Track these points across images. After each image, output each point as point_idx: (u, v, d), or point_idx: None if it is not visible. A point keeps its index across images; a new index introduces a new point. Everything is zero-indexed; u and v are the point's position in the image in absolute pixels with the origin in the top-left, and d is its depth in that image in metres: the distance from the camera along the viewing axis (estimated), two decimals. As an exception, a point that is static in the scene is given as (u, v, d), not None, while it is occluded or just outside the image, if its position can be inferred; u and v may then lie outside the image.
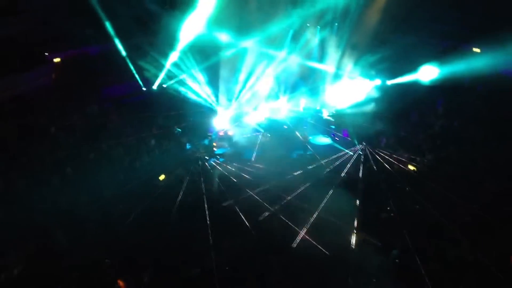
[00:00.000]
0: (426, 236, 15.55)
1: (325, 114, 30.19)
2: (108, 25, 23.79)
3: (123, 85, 27.26)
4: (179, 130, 26.33)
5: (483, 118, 22.44)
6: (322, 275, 13.80)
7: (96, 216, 16.74)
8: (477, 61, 23.66)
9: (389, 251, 14.66)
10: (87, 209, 17.03)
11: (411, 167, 21.33)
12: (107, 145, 21.65)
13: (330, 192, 18.54)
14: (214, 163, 23.18)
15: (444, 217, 16.05)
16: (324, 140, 27.92)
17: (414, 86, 27.19)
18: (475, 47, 25.21)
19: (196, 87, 28.72)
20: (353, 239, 15.52)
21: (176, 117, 27.11)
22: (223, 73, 29.37)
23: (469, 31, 25.51)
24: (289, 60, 30.23)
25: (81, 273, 13.64)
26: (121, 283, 13.47)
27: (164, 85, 28.35)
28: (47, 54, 24.29)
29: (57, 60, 24.63)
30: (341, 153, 23.69)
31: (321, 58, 30.96)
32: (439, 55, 26.38)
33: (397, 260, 14.34)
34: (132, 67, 26.19)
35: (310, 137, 27.03)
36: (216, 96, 29.30)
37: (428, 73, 26.59)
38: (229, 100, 29.77)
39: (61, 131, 21.31)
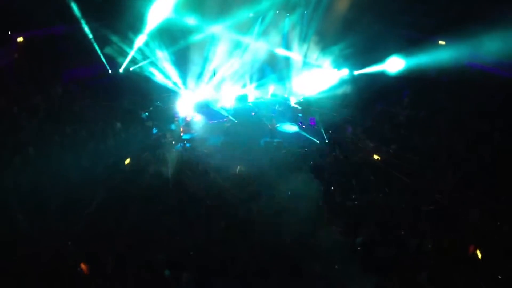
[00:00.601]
0: (389, 224, 15.79)
1: (293, 102, 30.28)
2: (74, 5, 23.28)
3: (88, 67, 26.80)
4: (146, 114, 26.04)
5: (447, 109, 22.85)
6: (286, 262, 13.87)
7: (59, 199, 16.44)
8: (442, 53, 24.05)
9: (353, 239, 14.84)
10: (49, 192, 16.70)
11: (376, 156, 21.59)
12: (71, 128, 21.20)
13: (296, 180, 18.60)
14: (181, 148, 23.04)
15: (407, 206, 16.33)
16: (291, 128, 28.01)
17: (381, 77, 27.52)
18: (441, 39, 25.61)
19: (163, 71, 28.42)
20: (317, 227, 15.62)
21: (142, 101, 26.79)
22: (191, 58, 29.16)
23: (435, 23, 25.91)
24: (257, 47, 30.16)
25: (42, 256, 13.40)
26: (83, 266, 13.28)
27: (131, 68, 27.96)
28: (10, 33, 23.63)
29: (20, 39, 23.99)
30: (308, 141, 23.83)
31: (290, 45, 31.00)
32: (405, 46, 26.72)
33: (360, 248, 14.53)
34: (98, 49, 25.73)
35: (278, 125, 27.10)
36: (184, 81, 29.07)
37: (394, 64, 26.93)
38: (197, 85, 29.58)
39: (23, 112, 20.77)
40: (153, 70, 28.25)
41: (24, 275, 12.55)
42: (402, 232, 15.22)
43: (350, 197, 17.86)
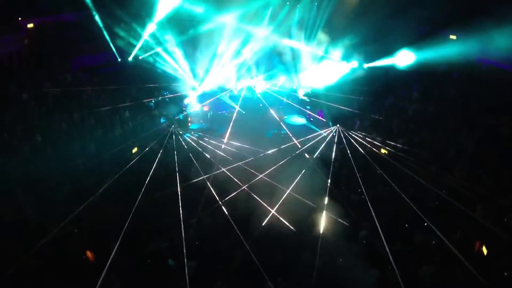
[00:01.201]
0: (395, 219, 15.77)
1: (301, 94, 30.21)
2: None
3: (98, 55, 26.89)
4: (153, 103, 26.12)
5: (456, 105, 22.70)
6: (291, 254, 13.91)
7: (66, 186, 16.54)
8: (453, 48, 23.88)
9: (358, 232, 14.84)
10: (57, 179, 16.80)
11: (383, 151, 21.52)
12: (80, 115, 21.27)
13: (302, 172, 18.59)
14: (188, 138, 23.08)
15: (413, 201, 16.27)
16: (299, 120, 28.02)
17: (390, 70, 27.39)
18: (452, 34, 25.43)
19: (172, 61, 28.42)
20: (323, 219, 15.63)
21: (151, 90, 26.83)
22: (200, 48, 29.10)
23: (446, 17, 25.71)
24: (267, 38, 30.06)
25: (49, 242, 13.49)
26: (89, 254, 13.38)
27: (140, 57, 27.97)
28: (20, 19, 23.68)
29: (30, 25, 24.05)
30: (315, 134, 23.78)
31: (299, 37, 30.86)
32: (416, 40, 26.56)
33: (364, 241, 14.53)
34: (107, 37, 25.74)
35: (285, 117, 27.08)
36: (193, 71, 29.05)
37: (404, 57, 26.77)
38: (206, 75, 29.55)
39: (32, 99, 20.84)
40: (162, 59, 28.26)
41: (29, 263, 12.65)
42: (407, 227, 15.20)
43: (356, 191, 17.83)
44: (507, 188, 16.23)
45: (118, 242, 13.50)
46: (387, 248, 13.72)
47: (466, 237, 14.25)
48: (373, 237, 14.49)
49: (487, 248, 13.43)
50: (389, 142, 21.97)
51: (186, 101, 27.61)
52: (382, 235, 14.38)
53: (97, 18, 24.70)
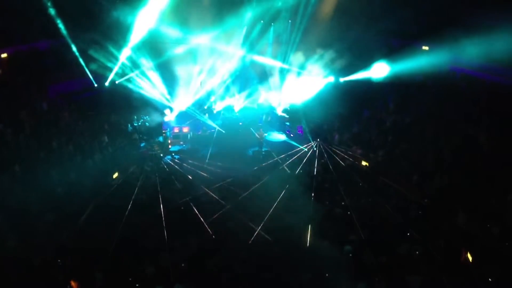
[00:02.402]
0: (378, 230, 15.83)
1: (280, 111, 30.36)
2: (58, 21, 23.23)
3: (74, 81, 26.71)
4: (132, 127, 26.02)
5: (433, 114, 22.99)
6: (277, 271, 13.86)
7: (48, 215, 16.30)
8: (426, 59, 24.24)
9: (342, 246, 14.86)
10: (38, 208, 16.55)
11: (363, 163, 21.67)
12: (58, 143, 21.05)
13: (285, 188, 18.64)
14: (169, 161, 22.99)
15: (395, 211, 16.38)
16: (279, 136, 28.10)
17: (367, 83, 27.68)
18: (424, 45, 25.85)
19: (149, 83, 28.39)
20: (307, 235, 15.64)
21: (128, 114, 26.73)
22: (177, 69, 29.16)
23: (418, 29, 26.17)
24: (243, 57, 30.25)
25: (32, 273, 13.27)
26: (73, 283, 13.16)
27: (117, 82, 27.88)
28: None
29: (4, 55, 23.87)
30: (296, 150, 23.88)
31: (275, 54, 31.12)
32: (390, 52, 26.95)
33: (350, 255, 14.55)
34: (83, 63, 25.64)
35: (265, 134, 27.16)
36: (170, 93, 29.04)
37: (380, 70, 27.08)
38: (184, 96, 29.55)
39: (9, 128, 20.59)
40: (139, 83, 28.21)
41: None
42: (391, 237, 15.27)
43: (340, 204, 17.89)
44: (488, 194, 16.42)
45: (102, 269, 13.36)
46: (373, 259, 13.79)
47: (450, 244, 14.35)
48: (359, 249, 14.52)
49: (471, 255, 13.54)
50: (369, 154, 22.14)
51: (165, 123, 27.53)
52: (367, 247, 14.45)
53: (72, 45, 24.60)
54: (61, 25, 23.49)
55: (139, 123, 26.71)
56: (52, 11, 22.61)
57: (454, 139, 20.54)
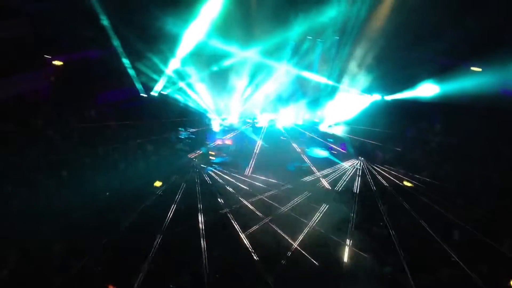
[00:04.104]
0: (419, 253, 15.48)
1: (323, 127, 30.18)
2: (109, 30, 23.84)
3: (122, 90, 27.23)
4: (177, 137, 26.37)
5: (481, 137, 22.44)
6: (314, 288, 13.76)
7: (90, 221, 16.64)
8: (476, 80, 23.73)
9: (382, 266, 14.60)
10: (81, 213, 16.93)
11: (407, 183, 21.29)
12: (103, 150, 21.51)
13: (325, 205, 18.49)
14: (211, 172, 23.14)
15: (438, 234, 15.99)
16: (321, 152, 27.89)
17: (413, 103, 27.25)
18: (475, 65, 25.32)
19: (195, 95, 28.73)
20: (346, 253, 15.45)
21: (173, 124, 27.07)
22: (223, 82, 29.36)
23: (469, 49, 25.63)
24: (289, 72, 30.27)
25: (71, 278, 13.55)
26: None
27: (163, 92, 28.33)
28: (47, 56, 24.30)
29: (57, 63, 24.64)
30: (338, 166, 23.67)
31: (321, 71, 31.01)
32: (438, 72, 26.47)
33: (389, 276, 14.28)
34: (131, 73, 26.18)
35: (308, 149, 27.01)
36: (215, 105, 29.29)
37: (427, 90, 26.65)
38: (228, 109, 29.79)
39: (58, 134, 21.19)
40: (185, 93, 28.59)
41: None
42: (433, 261, 14.91)
43: (380, 224, 17.60)
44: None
45: (140, 276, 13.52)
46: (412, 282, 13.49)
47: (494, 271, 13.90)
48: (398, 271, 14.24)
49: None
50: (413, 174, 21.74)
51: (208, 135, 27.76)
52: (407, 269, 14.15)
53: (121, 54, 25.17)
54: (111, 35, 24.10)
55: (185, 135, 27.00)
56: (103, 21, 23.24)
57: (502, 163, 19.99)
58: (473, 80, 23.78)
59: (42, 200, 17.11)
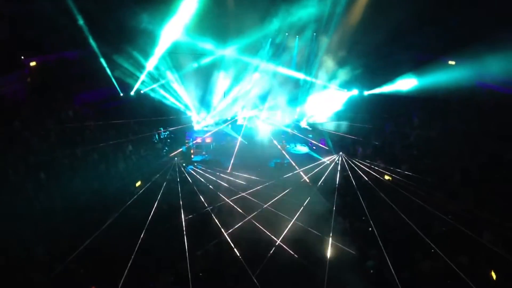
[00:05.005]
0: (401, 246, 15.62)
1: (303, 123, 30.32)
2: (86, 31, 23.60)
3: (100, 90, 27.01)
4: (156, 136, 26.24)
5: (458, 130, 22.74)
6: (297, 284, 13.79)
7: (71, 222, 16.46)
8: (452, 74, 24.04)
9: (364, 260, 14.71)
10: (61, 215, 16.75)
11: (386, 177, 21.46)
12: (83, 151, 21.30)
13: (307, 200, 18.57)
14: (191, 170, 23.07)
15: (419, 227, 16.15)
16: (302, 149, 28.05)
17: (391, 97, 27.52)
18: (451, 59, 25.63)
19: (173, 93, 28.64)
20: (328, 247, 15.54)
21: (153, 123, 26.94)
22: (201, 80, 29.36)
23: (445, 44, 25.94)
24: (268, 69, 30.32)
25: (53, 280, 13.40)
26: (93, 290, 13.28)
27: (142, 91, 28.18)
28: (23, 57, 23.97)
29: (33, 64, 24.32)
30: (318, 162, 23.78)
31: (300, 67, 31.12)
32: (415, 67, 26.76)
33: (371, 271, 14.39)
34: (109, 73, 25.98)
35: (288, 146, 27.12)
36: (194, 103, 29.24)
37: (404, 84, 26.93)
38: (207, 107, 29.76)
39: (35, 136, 20.91)
40: (163, 92, 28.49)
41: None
42: (414, 254, 15.06)
43: (361, 218, 17.72)
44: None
45: (123, 277, 13.43)
46: (395, 276, 13.61)
47: (474, 262, 14.09)
48: (380, 265, 14.36)
49: (496, 273, 13.28)
50: (393, 168, 21.92)
51: (188, 133, 27.70)
52: (389, 263, 14.27)
53: (98, 54, 24.95)
54: (88, 35, 23.87)
55: (165, 134, 26.88)
56: (80, 21, 23.00)
57: (479, 156, 20.26)
58: (450, 74, 24.09)
59: (21, 203, 16.85)
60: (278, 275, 14.12)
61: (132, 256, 14.39)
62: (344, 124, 27.96)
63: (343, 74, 29.43)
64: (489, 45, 20.77)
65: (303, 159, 25.44)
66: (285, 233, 16.28)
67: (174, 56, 27.78)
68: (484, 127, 21.81)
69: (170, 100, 28.56)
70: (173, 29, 25.37)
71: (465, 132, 22.28)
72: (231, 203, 18.79)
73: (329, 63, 29.77)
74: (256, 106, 30.99)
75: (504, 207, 16.56)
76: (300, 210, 17.78)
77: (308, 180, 21.86)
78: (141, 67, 26.90)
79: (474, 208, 17.06)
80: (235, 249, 15.39)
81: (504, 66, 20.70)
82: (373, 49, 27.49)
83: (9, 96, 23.10)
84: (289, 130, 29.53)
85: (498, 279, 13.23)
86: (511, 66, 20.29)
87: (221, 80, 29.75)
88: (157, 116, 27.41)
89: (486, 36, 22.13)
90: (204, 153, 26.80)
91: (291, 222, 16.98)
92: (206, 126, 28.85)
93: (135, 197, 18.81)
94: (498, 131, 21.38)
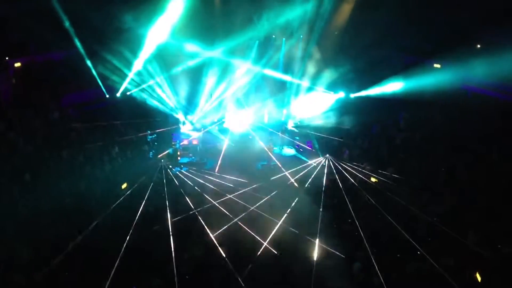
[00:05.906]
0: (387, 247, 15.68)
1: (290, 125, 30.37)
2: (72, 32, 23.43)
3: (86, 92, 26.87)
4: (142, 137, 26.12)
5: (443, 132, 22.89)
6: (283, 285, 13.78)
7: (56, 224, 16.33)
8: (438, 76, 24.21)
9: (351, 262, 14.74)
10: (46, 217, 16.59)
11: (373, 179, 21.55)
12: (68, 153, 21.14)
13: (293, 202, 18.60)
14: (178, 173, 23.00)
15: (405, 229, 16.23)
16: (289, 151, 28.08)
17: (377, 99, 27.64)
18: (436, 62, 25.81)
19: (160, 95, 28.56)
20: (315, 249, 15.56)
21: (139, 125, 26.82)
22: (188, 82, 29.34)
23: (431, 47, 26.12)
24: (254, 71, 30.33)
25: (38, 282, 13.28)
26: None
27: (128, 93, 28.06)
28: (7, 58, 23.73)
29: (17, 65, 24.09)
30: (305, 164, 23.83)
31: (286, 69, 31.16)
32: (401, 69, 26.92)
33: (358, 272, 14.42)
34: (95, 74, 25.82)
35: (275, 148, 27.14)
36: (181, 105, 29.18)
37: (391, 86, 27.07)
38: (194, 109, 29.70)
39: (20, 137, 20.71)
40: (150, 94, 28.39)
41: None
42: (400, 256, 15.13)
43: (348, 221, 17.77)
44: (499, 214, 16.24)
45: (109, 280, 13.34)
46: (381, 278, 13.66)
47: (459, 264, 14.18)
48: (367, 267, 14.39)
49: (480, 275, 13.37)
50: (379, 170, 22.00)
51: (174, 135, 27.61)
52: (375, 264, 14.32)
53: (84, 56, 24.78)
54: (74, 36, 23.70)
55: (151, 136, 26.75)
56: (66, 23, 22.82)
57: (465, 158, 20.42)
58: (436, 77, 24.26)
59: (6, 204, 16.67)
60: (264, 276, 14.09)
61: (118, 259, 14.30)
62: (330, 126, 28.07)
63: (329, 77, 29.54)
64: (476, 48, 21.00)
65: (290, 161, 25.46)
66: (272, 235, 16.28)
67: (160, 57, 27.70)
68: (470, 130, 21.96)
69: (157, 102, 28.48)
70: (160, 30, 25.27)
71: (451, 135, 22.43)
72: (217, 205, 18.75)
73: (315, 65, 29.86)
74: (244, 108, 30.95)
75: (488, 208, 16.70)
76: (287, 212, 17.80)
77: (295, 183, 21.87)
78: (127, 69, 26.76)
79: (460, 209, 17.19)
80: (221, 251, 15.36)
81: (489, 69, 20.90)
82: (360, 52, 27.61)
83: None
84: (275, 131, 29.50)
85: (482, 280, 13.32)
86: (496, 69, 20.47)
87: (208, 82, 29.70)
88: (144, 118, 27.32)
89: (473, 39, 22.37)
90: (190, 155, 26.72)
91: (278, 224, 16.98)
92: (193, 130, 28.77)
93: (120, 199, 18.69)
94: (483, 132, 21.56)
